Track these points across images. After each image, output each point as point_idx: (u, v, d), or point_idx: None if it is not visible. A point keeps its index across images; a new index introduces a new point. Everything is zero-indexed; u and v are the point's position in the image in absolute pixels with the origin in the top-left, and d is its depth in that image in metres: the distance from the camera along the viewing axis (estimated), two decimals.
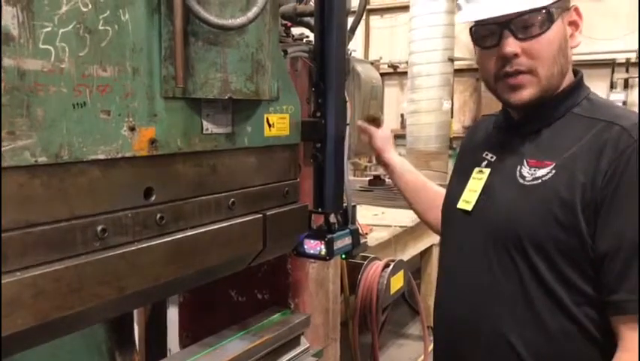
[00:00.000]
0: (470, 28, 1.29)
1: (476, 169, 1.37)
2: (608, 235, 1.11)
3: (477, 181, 1.35)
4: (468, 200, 1.35)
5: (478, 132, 1.52)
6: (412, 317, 4.91)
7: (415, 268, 4.63)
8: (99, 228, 0.97)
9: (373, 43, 10.58)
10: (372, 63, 7.21)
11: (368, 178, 6.57)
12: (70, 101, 0.90)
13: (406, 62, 8.67)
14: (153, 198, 1.08)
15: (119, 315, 1.46)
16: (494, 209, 1.28)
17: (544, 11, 1.19)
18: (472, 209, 1.33)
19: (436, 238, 4.74)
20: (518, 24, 1.20)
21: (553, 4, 1.19)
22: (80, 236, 0.94)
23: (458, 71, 8.92)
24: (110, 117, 0.96)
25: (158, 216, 1.09)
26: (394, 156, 1.87)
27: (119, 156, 0.99)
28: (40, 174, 0.87)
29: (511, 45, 1.21)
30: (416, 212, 1.85)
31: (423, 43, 7.90)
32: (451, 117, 8.49)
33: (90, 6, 0.91)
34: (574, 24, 1.26)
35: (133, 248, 1.03)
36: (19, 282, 0.85)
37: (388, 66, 10.17)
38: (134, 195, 1.04)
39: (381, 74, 9.71)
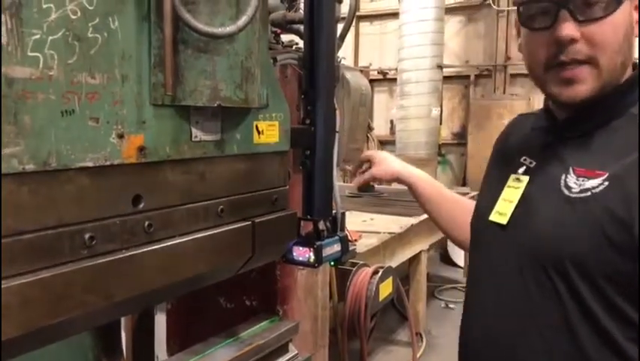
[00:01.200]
0: (518, 7, 1.12)
1: (512, 176, 1.19)
2: None
3: (513, 190, 1.17)
4: (502, 212, 1.17)
5: (513, 133, 1.34)
6: (400, 323, 4.92)
7: (404, 275, 4.64)
8: (87, 235, 0.97)
9: (363, 49, 10.62)
10: (361, 70, 7.23)
11: None
12: (59, 109, 0.89)
13: (396, 69, 8.71)
14: (142, 205, 1.07)
15: (106, 323, 1.44)
16: (533, 224, 1.10)
17: None
18: (508, 223, 1.15)
19: (424, 245, 4.76)
20: (579, 3, 1.02)
21: None
22: (67, 244, 0.94)
23: (447, 78, 8.99)
24: (98, 125, 0.96)
25: (147, 223, 1.08)
26: (407, 172, 1.73)
27: (108, 163, 0.99)
28: (27, 182, 0.87)
29: (569, 28, 1.02)
30: (441, 228, 1.69)
31: (412, 50, 7.97)
32: (440, 124, 8.54)
33: (79, 13, 0.91)
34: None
35: (121, 256, 1.03)
36: (6, 290, 0.84)
37: (378, 72, 10.22)
38: (123, 202, 1.04)
39: (371, 81, 9.78)
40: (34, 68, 0.85)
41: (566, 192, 1.05)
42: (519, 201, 1.15)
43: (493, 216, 1.19)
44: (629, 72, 1.10)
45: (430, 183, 1.72)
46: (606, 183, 1.00)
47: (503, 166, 1.26)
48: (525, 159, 1.19)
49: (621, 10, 1.02)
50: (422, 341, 4.58)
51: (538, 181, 1.14)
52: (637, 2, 1.06)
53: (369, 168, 1.79)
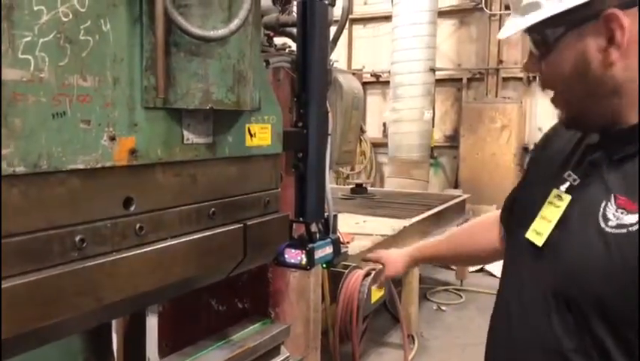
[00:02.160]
0: None
1: (555, 191, 1.10)
2: None
3: (553, 209, 1.08)
4: (540, 231, 1.09)
5: (556, 143, 1.23)
6: (392, 325, 4.92)
7: (396, 277, 4.65)
8: (78, 238, 0.96)
9: (356, 52, 10.64)
10: (354, 73, 7.25)
11: (350, 187, 6.60)
12: (50, 111, 0.89)
13: (389, 72, 8.73)
14: (133, 208, 1.07)
15: (97, 325, 1.44)
16: (563, 254, 1.04)
17: (535, 33, 1.03)
18: (543, 245, 1.08)
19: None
20: (533, 41, 1.06)
21: (549, 23, 0.99)
22: (58, 246, 0.94)
23: (439, 81, 9.01)
24: (90, 127, 0.96)
25: (138, 226, 1.08)
26: (412, 260, 1.80)
27: (99, 165, 0.98)
28: (18, 184, 0.87)
29: (530, 63, 1.09)
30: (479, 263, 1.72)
31: (405, 53, 7.98)
32: (433, 127, 8.57)
33: (71, 16, 0.91)
34: (609, 36, 0.97)
35: (112, 258, 1.03)
36: None
37: (371, 75, 10.23)
38: (114, 204, 1.04)
39: (364, 83, 9.79)
40: (26, 70, 0.85)
41: (602, 224, 0.97)
42: (557, 223, 1.07)
43: (530, 235, 1.12)
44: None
45: (433, 246, 1.80)
46: None
47: (545, 176, 1.18)
48: (569, 175, 1.09)
49: (561, 47, 1.01)
50: (414, 343, 4.59)
51: (580, 203, 1.05)
52: (604, 28, 0.98)
53: (382, 267, 1.86)
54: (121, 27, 1.01)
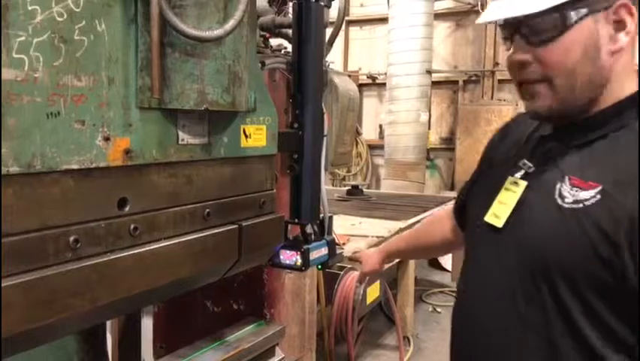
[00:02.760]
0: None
1: (510, 179, 1.18)
2: None
3: (510, 194, 1.16)
4: (498, 214, 1.16)
5: (513, 133, 1.31)
6: (388, 327, 4.92)
7: (392, 279, 4.65)
8: (72, 238, 0.96)
9: (352, 54, 10.65)
10: (350, 75, 7.25)
11: (346, 188, 6.60)
12: (44, 111, 0.89)
13: (385, 74, 8.74)
14: (127, 208, 1.07)
15: (91, 326, 1.44)
16: (525, 231, 1.10)
17: (555, 14, 1.01)
18: (503, 226, 1.15)
19: None
20: (531, 27, 1.05)
21: (569, 3, 1.00)
22: (52, 247, 0.93)
23: (436, 83, 9.03)
24: (84, 127, 0.96)
25: (132, 226, 1.08)
26: (386, 255, 1.88)
27: (93, 166, 0.98)
28: (12, 184, 0.86)
29: (521, 52, 1.07)
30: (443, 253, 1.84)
31: (401, 55, 7.99)
32: (429, 129, 8.58)
33: (65, 16, 0.91)
34: (619, 22, 1.03)
35: (106, 259, 1.02)
36: None
37: (367, 77, 10.25)
38: (108, 205, 1.04)
39: (360, 85, 9.80)
40: (20, 70, 0.85)
41: (560, 201, 1.05)
42: (515, 206, 1.14)
43: (489, 218, 1.18)
44: (620, 86, 1.08)
45: (397, 242, 1.92)
46: (598, 197, 1.00)
47: (500, 165, 1.25)
48: (524, 163, 1.17)
49: (575, 32, 1.02)
50: (409, 345, 4.59)
51: (536, 187, 1.12)
52: (616, 16, 1.03)
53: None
54: (116, 27, 1.01)
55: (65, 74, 0.92)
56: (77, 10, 0.93)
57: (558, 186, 1.06)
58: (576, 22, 1.02)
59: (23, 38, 0.85)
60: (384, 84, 8.87)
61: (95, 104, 0.98)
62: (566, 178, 1.06)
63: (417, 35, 7.88)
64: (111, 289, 1.04)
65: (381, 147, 8.76)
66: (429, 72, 8.16)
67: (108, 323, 2.04)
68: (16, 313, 0.88)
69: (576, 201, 1.02)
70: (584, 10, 1.01)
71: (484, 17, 1.12)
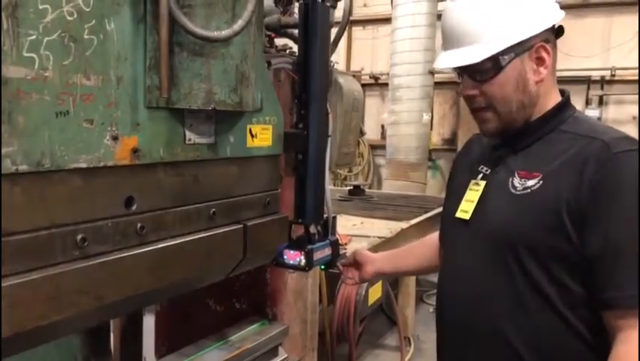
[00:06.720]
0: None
1: (472, 181, 1.47)
2: (594, 239, 1.22)
3: (474, 192, 1.45)
4: (466, 210, 1.45)
5: (473, 148, 1.63)
6: (389, 327, 4.93)
7: (393, 280, 4.65)
8: (79, 237, 0.96)
9: (355, 54, 10.65)
10: (353, 75, 7.26)
11: (348, 188, 6.60)
12: (54, 110, 0.89)
13: (388, 74, 8.73)
14: (134, 207, 1.07)
15: (96, 324, 1.44)
16: (489, 217, 1.39)
17: (490, 62, 1.32)
18: (470, 218, 1.43)
19: None
20: (474, 70, 1.35)
21: (500, 52, 1.30)
22: (59, 245, 0.94)
23: (438, 84, 9.02)
24: (92, 126, 0.96)
25: (139, 225, 1.08)
26: (376, 264, 1.88)
27: (101, 164, 0.99)
28: (20, 182, 0.87)
29: (468, 87, 1.39)
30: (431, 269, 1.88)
31: (404, 56, 7.99)
32: (431, 129, 8.57)
33: (75, 15, 0.91)
34: (540, 59, 1.35)
35: (113, 257, 1.03)
36: None
37: (370, 77, 10.25)
38: (115, 204, 1.04)
39: (363, 85, 9.77)
40: (30, 69, 0.85)
41: (513, 190, 1.35)
42: (478, 201, 1.43)
43: (459, 214, 1.47)
44: (555, 98, 1.41)
45: (393, 255, 1.97)
46: (541, 182, 1.31)
47: (466, 174, 1.54)
48: (482, 168, 1.48)
49: (508, 70, 1.32)
50: (410, 345, 4.59)
51: (493, 184, 1.42)
52: (537, 54, 1.33)
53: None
54: (125, 27, 1.01)
55: (75, 73, 0.92)
56: (87, 9, 0.93)
57: (510, 180, 1.37)
58: (507, 64, 1.32)
59: (34, 37, 0.85)
60: (386, 84, 8.86)
61: (103, 103, 0.98)
62: (516, 173, 1.37)
63: (420, 36, 7.87)
64: (117, 287, 1.05)
65: (383, 147, 8.76)
66: (432, 73, 8.15)
67: (111, 321, 2.04)
68: (24, 310, 0.89)
69: (525, 188, 1.33)
70: (512, 54, 1.32)
71: (437, 64, 1.43)
